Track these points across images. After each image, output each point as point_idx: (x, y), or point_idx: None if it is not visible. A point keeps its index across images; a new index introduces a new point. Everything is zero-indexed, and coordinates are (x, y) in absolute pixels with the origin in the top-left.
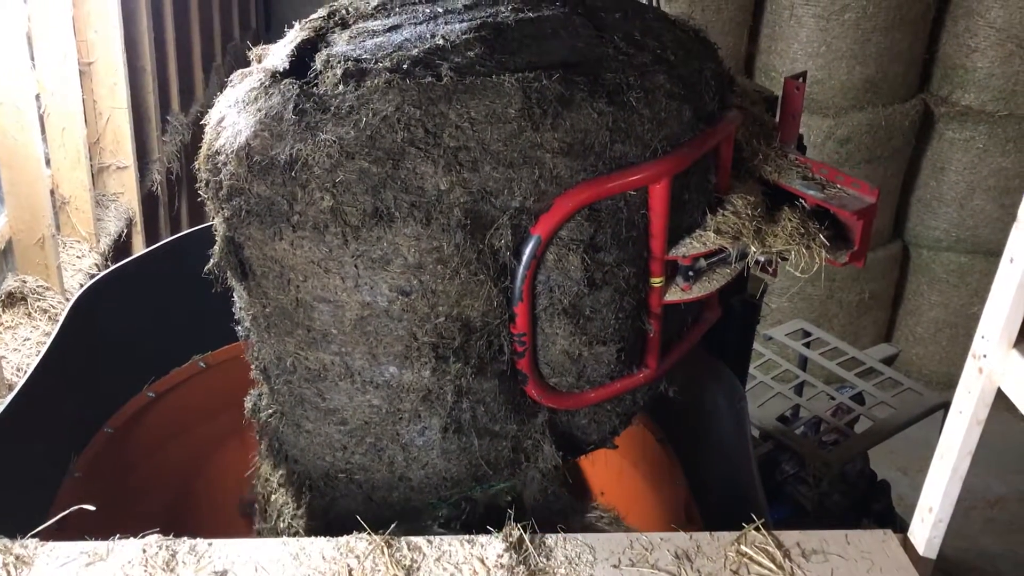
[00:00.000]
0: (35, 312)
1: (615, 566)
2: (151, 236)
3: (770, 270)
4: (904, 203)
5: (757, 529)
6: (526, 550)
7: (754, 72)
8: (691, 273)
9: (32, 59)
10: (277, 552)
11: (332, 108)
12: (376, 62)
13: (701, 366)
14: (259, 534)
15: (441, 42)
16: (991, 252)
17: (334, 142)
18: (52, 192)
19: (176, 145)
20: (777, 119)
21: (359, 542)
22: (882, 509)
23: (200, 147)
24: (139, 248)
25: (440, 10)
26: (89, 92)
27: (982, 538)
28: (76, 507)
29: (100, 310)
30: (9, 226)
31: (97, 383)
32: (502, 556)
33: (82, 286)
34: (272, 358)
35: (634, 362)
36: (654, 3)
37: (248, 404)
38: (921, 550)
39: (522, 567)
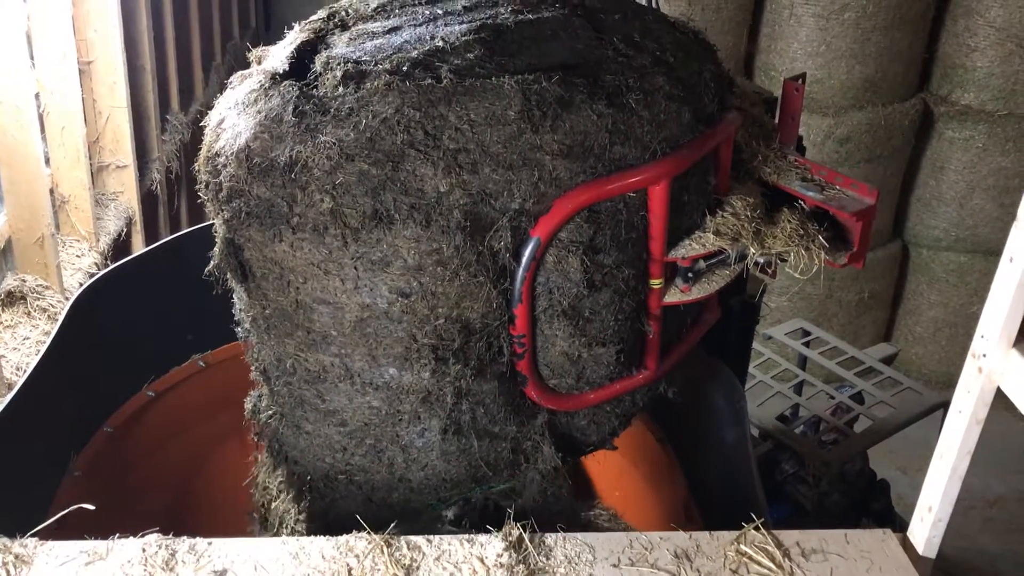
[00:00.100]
0: (34, 311)
1: (615, 565)
2: (150, 235)
3: (769, 271)
4: (904, 202)
5: (757, 528)
6: (526, 549)
7: (754, 71)
8: (690, 274)
9: (32, 58)
10: (277, 551)
11: (332, 110)
12: (376, 64)
13: (700, 366)
14: None
15: (441, 44)
16: (991, 251)
17: (334, 144)
18: (51, 191)
19: (176, 144)
20: (776, 120)
21: (359, 541)
22: (881, 508)
23: (200, 147)
24: (138, 247)
25: (440, 12)
26: (89, 91)
27: (981, 537)
28: (76, 506)
29: (99, 309)
30: (8, 225)
31: (97, 382)
32: (502, 555)
33: (81, 285)
34: (272, 359)
35: (633, 363)
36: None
37: (248, 405)
38: (920, 549)
39: (521, 566)
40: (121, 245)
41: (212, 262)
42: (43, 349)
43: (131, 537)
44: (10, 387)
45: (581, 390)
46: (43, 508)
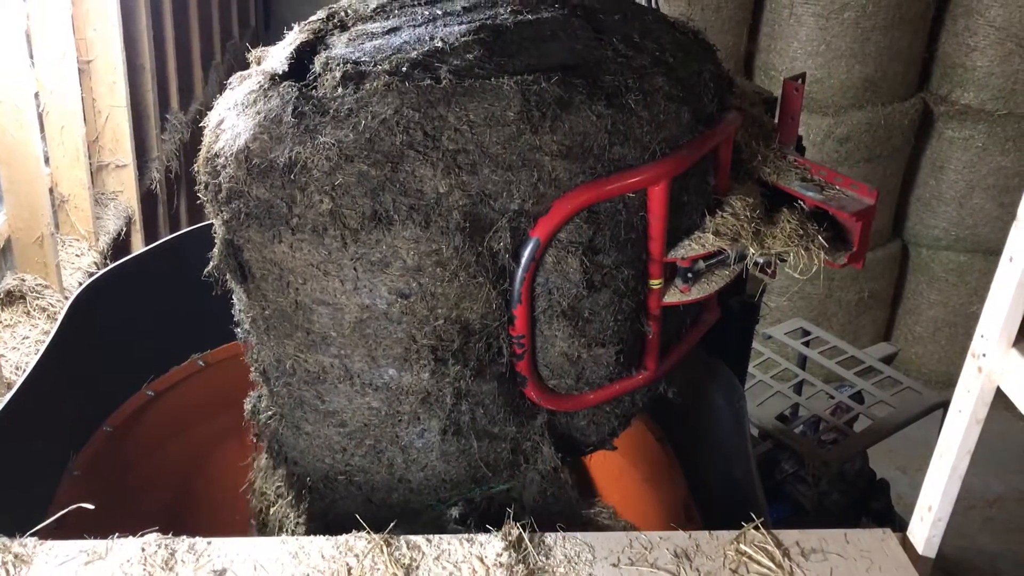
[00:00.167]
0: (34, 310)
1: (614, 565)
2: (150, 234)
3: (769, 271)
4: (903, 202)
5: (756, 528)
6: (525, 549)
7: (753, 71)
8: (690, 275)
9: (31, 57)
10: (276, 551)
11: (331, 111)
12: (375, 65)
13: (700, 366)
14: None
15: (440, 45)
16: (990, 251)
17: (333, 145)
18: (51, 190)
19: (175, 144)
20: (776, 120)
21: (358, 541)
22: (881, 508)
23: (199, 147)
24: (138, 246)
25: (439, 12)
26: (88, 90)
27: (981, 537)
28: (75, 506)
29: (99, 308)
30: (8, 224)
31: (96, 382)
32: (501, 555)
33: (81, 284)
34: (271, 360)
35: (633, 364)
36: (653, 5)
37: (247, 406)
38: (920, 549)
39: (521, 566)
40: (120, 244)
41: (211, 263)
42: (42, 348)
43: (130, 537)
44: (9, 386)
45: (581, 390)
46: (42, 507)
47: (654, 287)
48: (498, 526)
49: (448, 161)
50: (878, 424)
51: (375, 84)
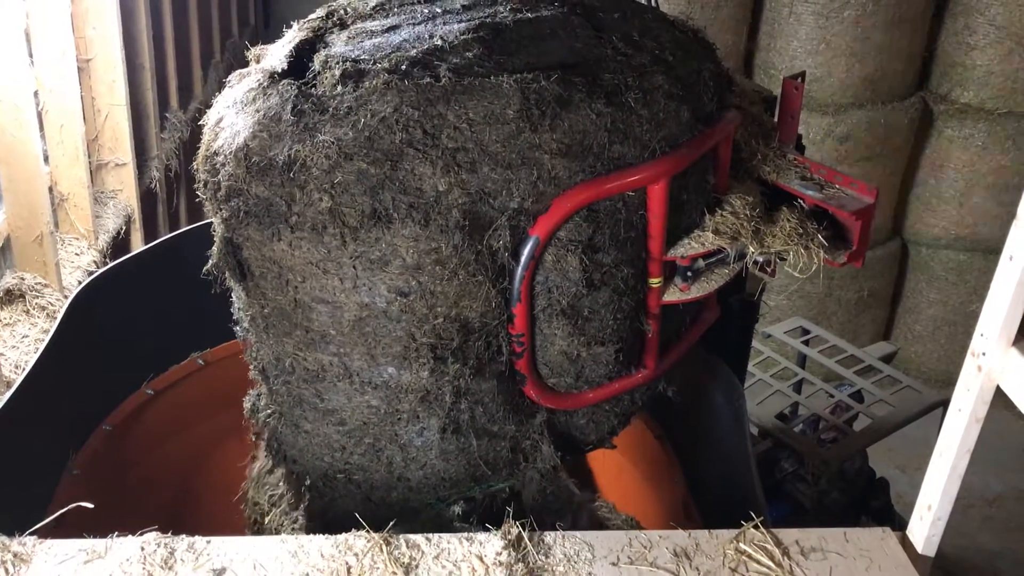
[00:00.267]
0: (33, 309)
1: (614, 564)
2: (149, 233)
3: (768, 270)
4: (903, 201)
5: (756, 527)
6: (524, 548)
7: (753, 70)
8: (689, 273)
9: (30, 56)
10: (275, 550)
11: (330, 109)
12: (374, 63)
13: (700, 365)
14: None
15: (439, 43)
16: (990, 250)
17: (332, 143)
18: (50, 189)
19: (175, 142)
20: (776, 119)
21: (358, 540)
22: (881, 507)
23: (199, 146)
24: (137, 245)
25: (438, 10)
26: (88, 89)
27: (980, 536)
28: (74, 504)
29: (98, 307)
30: (7, 223)
31: (96, 380)
32: (500, 554)
33: (80, 283)
34: (271, 358)
35: (632, 362)
36: (653, 3)
37: (247, 404)
38: (920, 548)
39: (520, 565)
40: (120, 243)
41: (211, 261)
42: (42, 347)
43: (130, 536)
44: (9, 385)
45: (580, 389)
46: (42, 506)
47: (654, 285)
48: (498, 524)
49: (447, 159)
50: (878, 423)
51: (374, 82)
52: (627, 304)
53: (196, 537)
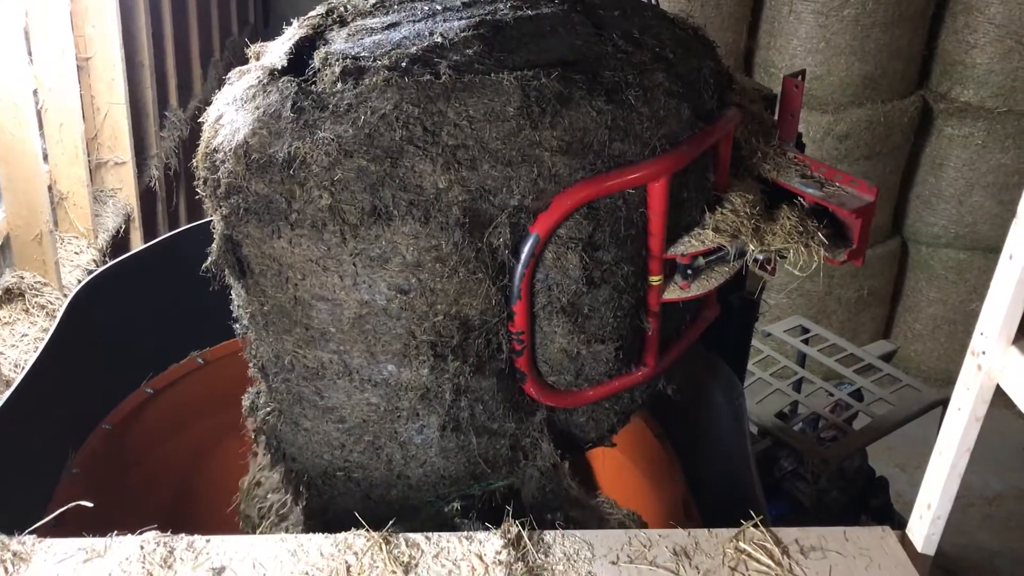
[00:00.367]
0: (33, 308)
1: (613, 563)
2: (149, 232)
3: (768, 268)
4: (903, 199)
5: (755, 526)
6: (524, 546)
7: (753, 68)
8: (690, 271)
9: (30, 55)
10: (275, 549)
11: (330, 106)
12: (374, 60)
13: (699, 363)
14: None
15: (439, 40)
16: (990, 248)
17: (332, 140)
18: (50, 188)
19: (174, 141)
20: (776, 117)
21: (357, 539)
22: (880, 505)
23: (198, 144)
24: (137, 244)
25: (439, 7)
26: (87, 88)
27: (980, 534)
28: (74, 503)
29: (98, 306)
30: (7, 222)
31: (95, 379)
32: (500, 552)
33: (80, 282)
34: (270, 356)
35: (632, 360)
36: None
37: (246, 402)
38: (919, 547)
39: (520, 564)
40: (119, 242)
41: (210, 258)
42: (41, 346)
43: (129, 534)
44: (8, 384)
45: (580, 387)
46: (41, 505)
47: (654, 283)
48: (497, 523)
49: (448, 156)
50: (877, 422)
51: (374, 79)
52: (627, 302)
53: (195, 536)
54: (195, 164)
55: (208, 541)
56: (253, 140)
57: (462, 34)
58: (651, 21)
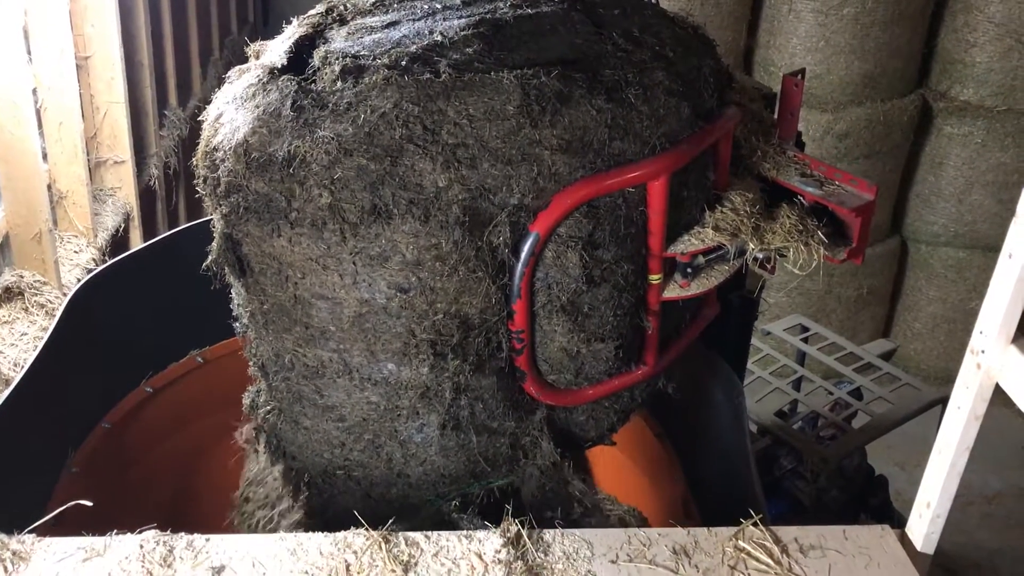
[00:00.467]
0: (32, 307)
1: (613, 561)
2: (148, 231)
3: (768, 267)
4: (902, 198)
5: (755, 524)
6: (524, 545)
7: (753, 67)
8: (689, 270)
9: (29, 54)
10: (275, 548)
11: (330, 105)
12: (374, 59)
13: (699, 362)
14: None
15: (439, 39)
16: (989, 247)
17: (332, 139)
18: (49, 187)
19: (173, 140)
20: (775, 116)
21: (357, 538)
22: (880, 504)
23: (198, 143)
24: (136, 243)
25: (438, 6)
26: (86, 87)
27: (979, 533)
28: (73, 502)
29: (97, 305)
30: (6, 221)
31: (94, 378)
32: (500, 551)
33: (79, 281)
34: (270, 355)
35: (632, 359)
36: None
37: (246, 401)
38: (919, 545)
39: (520, 562)
40: (119, 241)
41: (210, 257)
42: (41, 345)
43: (129, 533)
44: (8, 383)
45: (580, 386)
46: (41, 504)
47: (653, 282)
48: (497, 521)
49: (447, 155)
50: (877, 420)
51: (374, 78)
52: (627, 300)
53: (195, 535)
54: (195, 163)
55: (208, 540)
56: (253, 139)
57: (462, 33)
58: (651, 20)
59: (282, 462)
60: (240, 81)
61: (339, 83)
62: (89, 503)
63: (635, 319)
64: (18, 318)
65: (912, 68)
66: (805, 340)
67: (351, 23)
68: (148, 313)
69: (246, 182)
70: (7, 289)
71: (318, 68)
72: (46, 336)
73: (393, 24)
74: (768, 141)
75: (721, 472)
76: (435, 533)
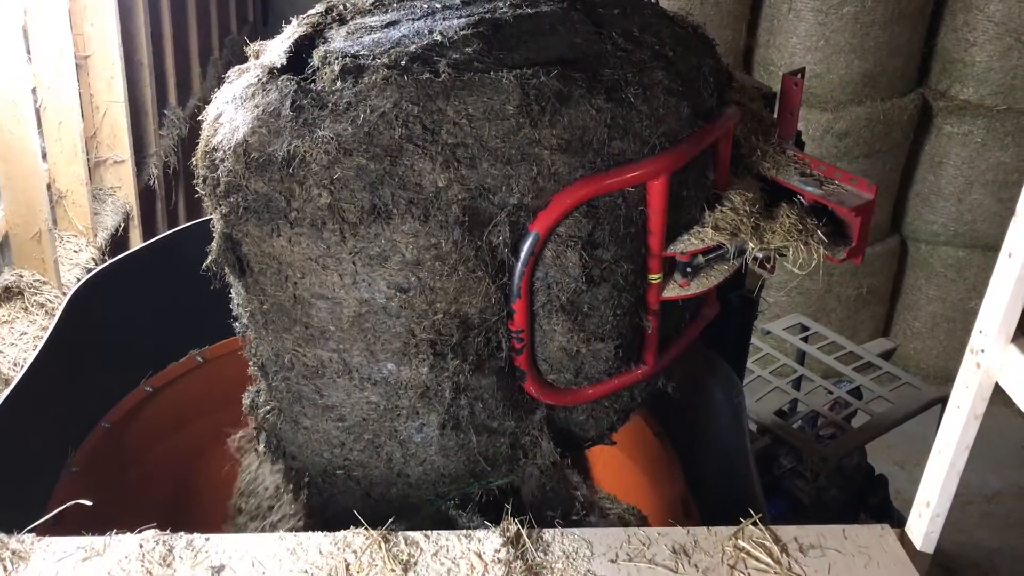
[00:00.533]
0: (32, 307)
1: (612, 561)
2: (148, 230)
3: (768, 266)
4: (902, 197)
5: (754, 524)
6: (523, 545)
7: (752, 66)
8: (689, 269)
9: (28, 53)
10: (274, 547)
11: (330, 105)
12: (374, 58)
13: (699, 361)
14: None
15: (439, 38)
16: (989, 246)
17: (332, 139)
18: (49, 186)
19: (173, 139)
20: (775, 115)
21: (356, 537)
22: (879, 503)
23: (197, 142)
24: (136, 242)
25: (438, 6)
26: (86, 86)
27: (979, 532)
28: (73, 502)
29: (97, 305)
30: (6, 220)
31: (94, 377)
32: (499, 551)
33: (79, 280)
34: (270, 354)
35: (632, 358)
36: None
37: (246, 400)
38: (918, 545)
39: (519, 562)
40: (118, 240)
41: (210, 257)
42: (40, 344)
43: (128, 533)
44: (7, 383)
45: (579, 385)
46: (41, 504)
47: (653, 282)
48: (496, 517)
49: (447, 155)
50: (876, 420)
51: (374, 78)
52: (627, 300)
53: (195, 534)
54: (194, 163)
55: (207, 539)
56: (252, 139)
57: (461, 32)
58: (650, 19)
59: (282, 462)
60: (239, 81)
61: (339, 83)
62: (89, 502)
63: (635, 319)
64: (18, 317)
65: (912, 67)
66: (805, 339)
67: (351, 23)
68: (148, 312)
69: (245, 182)
70: (7, 289)
71: (317, 68)
72: (46, 336)
73: (393, 24)
74: (768, 140)
75: (721, 471)
76: (435, 532)
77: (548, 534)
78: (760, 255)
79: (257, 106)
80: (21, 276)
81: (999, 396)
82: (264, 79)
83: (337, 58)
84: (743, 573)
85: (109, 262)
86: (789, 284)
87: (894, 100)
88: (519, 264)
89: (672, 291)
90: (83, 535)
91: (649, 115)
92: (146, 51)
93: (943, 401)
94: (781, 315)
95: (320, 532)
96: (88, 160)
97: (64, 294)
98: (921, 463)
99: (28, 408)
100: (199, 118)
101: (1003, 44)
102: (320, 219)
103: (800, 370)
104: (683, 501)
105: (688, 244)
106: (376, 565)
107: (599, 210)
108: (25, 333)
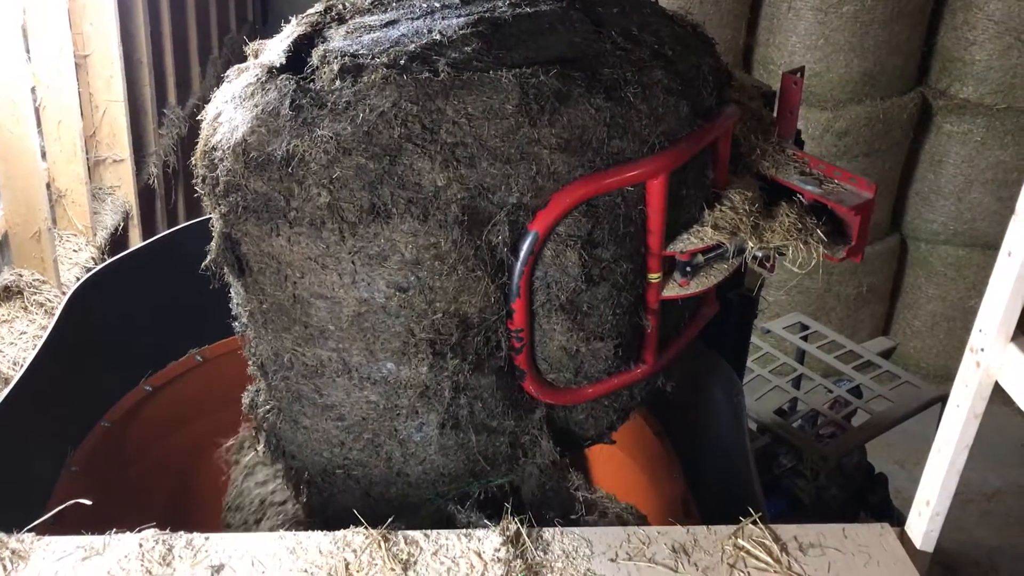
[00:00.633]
0: (31, 306)
1: (612, 560)
2: (148, 229)
3: (767, 265)
4: (902, 196)
5: (754, 523)
6: (523, 544)
7: (752, 65)
8: (688, 269)
9: (27, 52)
10: (274, 546)
11: (329, 104)
12: (373, 58)
13: (699, 360)
14: None
15: (438, 37)
16: (989, 245)
17: (331, 138)
18: (48, 185)
19: (172, 138)
20: (775, 114)
21: (356, 536)
22: (879, 502)
23: (197, 141)
24: (136, 242)
25: (437, 5)
26: (85, 85)
27: (978, 531)
28: (73, 501)
29: (96, 304)
30: (5, 219)
31: (94, 377)
32: (499, 550)
33: (78, 280)
34: (269, 354)
35: (631, 358)
36: None
37: (245, 400)
38: (918, 543)
39: (519, 561)
40: (118, 240)
41: (209, 257)
42: (40, 344)
43: (128, 532)
44: (7, 382)
45: (579, 384)
46: (40, 503)
47: (653, 281)
48: (496, 515)
49: (446, 154)
50: (876, 418)
51: (373, 77)
52: (626, 299)
53: (194, 534)
54: (194, 162)
55: (207, 539)
56: (252, 138)
57: (461, 32)
58: (650, 18)
59: (282, 461)
60: (239, 80)
61: (338, 82)
62: (88, 502)
63: (634, 318)
64: (17, 317)
65: (912, 66)
66: (805, 338)
67: (350, 22)
68: (147, 312)
69: (245, 181)
70: (6, 288)
71: (317, 67)
72: (45, 335)
73: (392, 23)
74: (767, 139)
75: (720, 470)
76: (434, 532)
77: (548, 533)
78: (760, 254)
79: (256, 105)
80: (20, 275)
81: (999, 395)
82: (263, 78)
83: (336, 57)
84: (743, 572)
85: (108, 261)
86: (789, 283)
87: (894, 99)
88: (518, 263)
89: (672, 290)
90: (83, 534)
91: (648, 114)
92: (145, 50)
93: (943, 400)
94: (781, 314)
95: (320, 531)
96: (87, 159)
97: (63, 293)
98: (921, 462)
99: (27, 407)
100: (198, 117)
101: (1003, 43)
102: (319, 218)
103: (800, 369)
104: (683, 500)
105: (688, 243)
106: (376, 564)
107: (598, 209)
108: (24, 332)
